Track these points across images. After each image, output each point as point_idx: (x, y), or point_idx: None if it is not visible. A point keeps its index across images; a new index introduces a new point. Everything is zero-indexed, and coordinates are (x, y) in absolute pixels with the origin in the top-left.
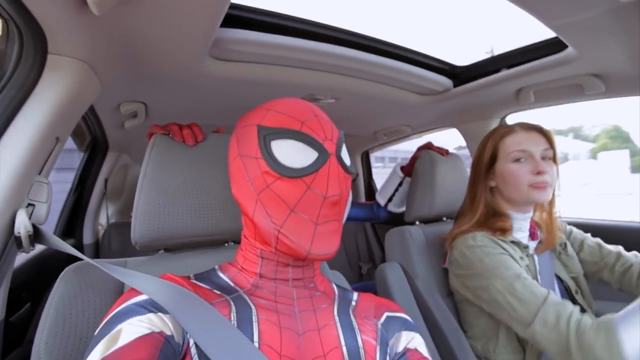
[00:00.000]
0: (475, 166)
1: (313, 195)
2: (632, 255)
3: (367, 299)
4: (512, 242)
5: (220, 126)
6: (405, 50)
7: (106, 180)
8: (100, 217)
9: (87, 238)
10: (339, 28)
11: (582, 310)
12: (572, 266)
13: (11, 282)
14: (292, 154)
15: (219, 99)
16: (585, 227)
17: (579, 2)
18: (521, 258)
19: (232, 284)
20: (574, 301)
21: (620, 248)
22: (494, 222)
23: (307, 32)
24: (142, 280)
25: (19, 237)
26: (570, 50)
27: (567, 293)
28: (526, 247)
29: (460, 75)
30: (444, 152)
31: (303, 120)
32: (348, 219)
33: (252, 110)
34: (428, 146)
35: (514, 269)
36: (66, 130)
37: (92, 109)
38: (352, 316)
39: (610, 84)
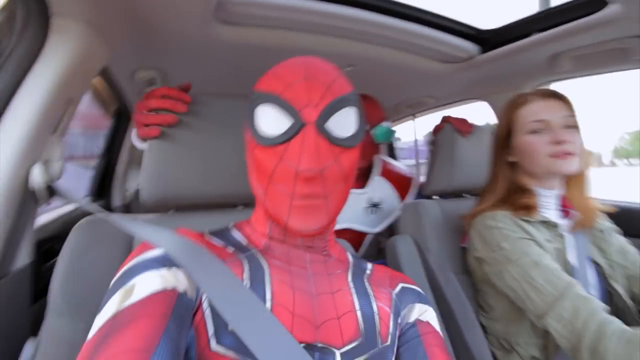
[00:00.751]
0: (494, 140)
1: (285, 167)
2: None
3: (381, 270)
4: (541, 221)
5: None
6: (426, 14)
7: (131, 147)
8: (130, 182)
9: (116, 201)
10: None
11: (612, 302)
12: (608, 252)
13: (44, 234)
14: (268, 120)
15: (233, 66)
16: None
17: None
18: (548, 240)
19: (245, 242)
20: (610, 287)
21: None
22: (518, 198)
23: None
24: (156, 233)
25: (35, 191)
26: (612, 8)
27: (602, 278)
28: (555, 225)
29: (487, 40)
30: (466, 127)
31: (289, 83)
32: None
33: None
34: (448, 119)
35: (533, 256)
36: (78, 91)
37: (111, 76)
38: (366, 283)
39: None
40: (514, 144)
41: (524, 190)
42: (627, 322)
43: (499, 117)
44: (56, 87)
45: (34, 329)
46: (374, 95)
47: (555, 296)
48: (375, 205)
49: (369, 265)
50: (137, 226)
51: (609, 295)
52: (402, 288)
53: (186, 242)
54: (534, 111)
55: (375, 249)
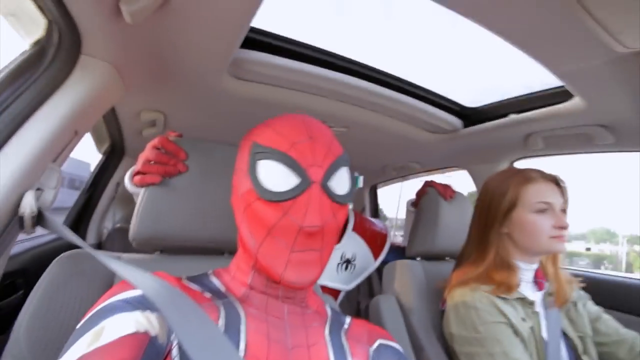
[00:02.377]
0: (486, 210)
1: (289, 222)
2: None
3: (360, 324)
4: (518, 299)
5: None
6: (416, 87)
7: (117, 185)
8: (106, 221)
9: (91, 239)
10: (354, 60)
11: None
12: (580, 324)
13: (7, 267)
14: (274, 176)
15: (235, 117)
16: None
17: (581, 51)
18: (523, 319)
19: (223, 289)
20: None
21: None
22: (500, 275)
23: (322, 60)
24: (134, 273)
25: (22, 217)
26: (577, 99)
27: (574, 353)
28: (532, 303)
29: (469, 116)
30: (449, 192)
31: (295, 141)
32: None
33: (258, 125)
34: (431, 184)
35: (504, 346)
36: (86, 125)
37: (114, 114)
38: (343, 338)
39: (619, 136)
40: (514, 218)
41: (508, 266)
42: None
43: (496, 187)
44: (67, 119)
45: None
46: (364, 156)
47: None
48: (348, 262)
49: (347, 319)
50: (119, 265)
51: None
52: (380, 345)
53: (164, 284)
54: (541, 191)
55: (350, 308)
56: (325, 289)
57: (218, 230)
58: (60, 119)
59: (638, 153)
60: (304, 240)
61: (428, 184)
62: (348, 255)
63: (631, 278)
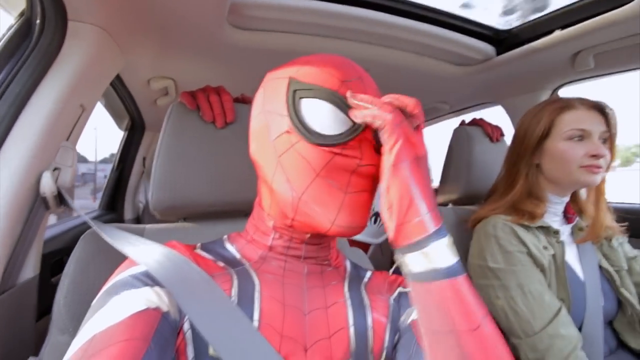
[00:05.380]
0: (520, 140)
1: (343, 161)
2: None
3: (380, 276)
4: (540, 227)
5: (244, 94)
6: (438, 13)
7: (144, 159)
8: (140, 195)
9: (128, 214)
10: None
11: (622, 308)
12: (615, 259)
13: (55, 246)
14: (323, 117)
15: (245, 72)
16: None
17: None
18: (545, 247)
19: (238, 256)
20: (619, 294)
21: None
22: (526, 204)
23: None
24: (139, 249)
25: (45, 198)
26: (634, 3)
27: (611, 286)
28: (557, 232)
29: (504, 40)
30: (498, 133)
31: (344, 79)
32: None
33: (288, 63)
34: (479, 122)
35: (520, 277)
36: (91, 98)
37: (124, 86)
38: (363, 292)
39: None
40: (545, 147)
41: (536, 196)
42: (633, 329)
43: (531, 116)
44: (69, 93)
45: (37, 349)
46: None
47: (533, 330)
48: (378, 215)
49: (368, 273)
50: (124, 241)
51: (618, 302)
52: (400, 293)
53: (172, 257)
54: (578, 118)
55: (385, 261)
56: (353, 242)
57: (238, 190)
58: (62, 92)
59: None
60: (359, 180)
61: (475, 122)
62: (377, 209)
63: None
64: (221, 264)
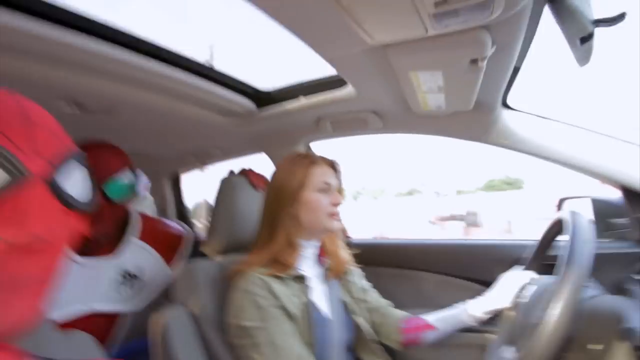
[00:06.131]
0: (277, 192)
1: None
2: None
3: None
4: (293, 277)
5: None
6: (202, 67)
7: None
8: None
9: None
10: (112, 26)
11: (358, 333)
12: (353, 290)
13: None
14: None
15: None
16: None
17: (341, 39)
18: (296, 296)
19: None
20: (354, 321)
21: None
22: (284, 255)
23: (69, 23)
24: None
25: None
26: (350, 87)
27: (349, 315)
28: (304, 278)
29: (263, 99)
30: (261, 182)
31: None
32: None
33: None
34: (244, 172)
35: (272, 334)
36: None
37: None
38: None
39: (387, 121)
40: (301, 197)
41: (292, 245)
42: (369, 349)
43: (285, 170)
44: None
45: None
46: (154, 142)
47: None
48: (132, 277)
49: None
50: None
51: (355, 328)
52: None
53: None
54: (324, 173)
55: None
56: (96, 317)
57: None
58: None
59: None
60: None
61: (243, 172)
62: (131, 269)
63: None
64: None
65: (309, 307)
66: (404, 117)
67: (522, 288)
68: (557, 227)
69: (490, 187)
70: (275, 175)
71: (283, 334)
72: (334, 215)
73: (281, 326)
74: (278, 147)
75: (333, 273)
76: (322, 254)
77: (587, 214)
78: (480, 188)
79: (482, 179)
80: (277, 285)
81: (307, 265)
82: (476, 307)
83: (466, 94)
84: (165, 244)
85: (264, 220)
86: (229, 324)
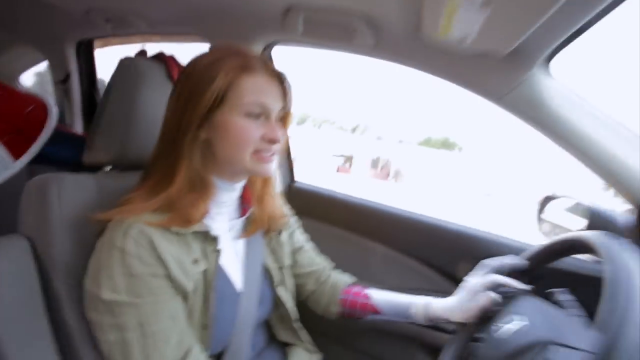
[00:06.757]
0: (187, 102)
1: None
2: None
3: None
4: (196, 232)
5: None
6: None
7: None
8: None
9: None
10: None
11: (277, 306)
12: (279, 255)
13: None
14: None
15: None
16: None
17: None
18: (195, 261)
19: None
20: (275, 294)
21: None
22: (185, 201)
23: None
24: None
25: None
26: None
27: (270, 283)
28: (214, 239)
29: None
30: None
31: None
32: (48, 159)
33: None
34: (164, 57)
35: (143, 315)
36: None
37: None
38: None
39: (381, 39)
40: (217, 118)
41: (203, 185)
42: (290, 330)
43: (202, 71)
44: None
45: None
46: None
47: None
48: None
49: None
50: None
51: (276, 303)
52: None
53: None
54: (260, 88)
55: None
56: None
57: None
58: None
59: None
60: None
61: (161, 56)
62: None
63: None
64: None
65: (213, 277)
66: (408, 41)
67: (499, 310)
68: (575, 244)
69: (426, 143)
70: (187, 71)
71: (160, 315)
72: (264, 156)
73: (160, 304)
74: (224, 36)
75: (256, 227)
76: (247, 199)
77: (576, 220)
78: (419, 142)
79: (421, 134)
80: (166, 245)
81: (221, 216)
82: (434, 310)
83: (515, 29)
84: (11, 118)
85: (162, 142)
86: (86, 290)
